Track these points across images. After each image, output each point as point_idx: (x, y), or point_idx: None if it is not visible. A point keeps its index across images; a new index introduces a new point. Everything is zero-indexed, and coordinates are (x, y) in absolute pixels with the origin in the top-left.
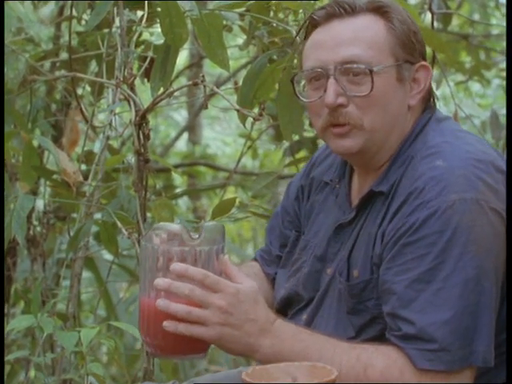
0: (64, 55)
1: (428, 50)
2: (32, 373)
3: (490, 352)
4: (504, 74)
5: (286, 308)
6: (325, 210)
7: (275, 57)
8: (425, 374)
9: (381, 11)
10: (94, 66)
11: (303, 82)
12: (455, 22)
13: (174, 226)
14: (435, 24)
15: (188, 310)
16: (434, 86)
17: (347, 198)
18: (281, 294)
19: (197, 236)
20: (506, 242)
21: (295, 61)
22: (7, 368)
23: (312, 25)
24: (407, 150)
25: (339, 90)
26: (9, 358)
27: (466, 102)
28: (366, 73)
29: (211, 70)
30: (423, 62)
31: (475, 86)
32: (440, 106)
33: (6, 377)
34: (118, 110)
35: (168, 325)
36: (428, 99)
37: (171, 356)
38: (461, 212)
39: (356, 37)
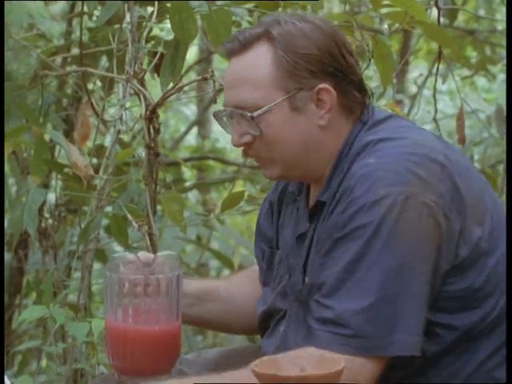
0: (75, 51)
1: (434, 45)
2: (44, 362)
3: (414, 342)
4: None
5: (267, 320)
6: (290, 223)
7: None
8: None
9: (272, 40)
10: (104, 61)
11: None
12: (461, 18)
13: (130, 256)
14: (441, 20)
15: None
16: (439, 80)
17: (306, 209)
18: (263, 308)
19: (150, 265)
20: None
21: None
22: (19, 358)
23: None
24: (345, 157)
25: (242, 130)
26: (21, 347)
27: (471, 96)
28: (249, 119)
29: (220, 65)
30: (321, 85)
31: (481, 81)
32: (446, 100)
33: (17, 366)
34: (128, 104)
35: None
36: (351, 109)
37: (137, 376)
38: (387, 206)
39: (242, 78)
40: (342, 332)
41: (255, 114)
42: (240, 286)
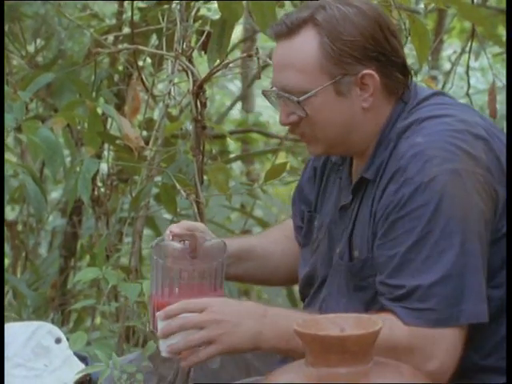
0: (126, 30)
1: (467, 24)
2: (98, 320)
3: (482, 308)
4: None
5: (307, 286)
6: (334, 191)
7: None
8: (414, 331)
9: (317, 26)
10: (154, 39)
11: None
12: None
13: (177, 245)
14: None
15: (188, 339)
16: (472, 57)
17: (348, 179)
18: (304, 271)
19: (194, 255)
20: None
21: None
22: (74, 316)
23: None
24: (388, 134)
25: (289, 110)
26: (76, 306)
27: (503, 72)
28: (295, 103)
29: (264, 43)
30: (365, 71)
31: None
32: (478, 76)
33: (73, 323)
34: (176, 80)
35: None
36: (393, 90)
37: None
38: (442, 184)
39: (289, 63)
40: (415, 306)
41: (301, 98)
42: (276, 244)
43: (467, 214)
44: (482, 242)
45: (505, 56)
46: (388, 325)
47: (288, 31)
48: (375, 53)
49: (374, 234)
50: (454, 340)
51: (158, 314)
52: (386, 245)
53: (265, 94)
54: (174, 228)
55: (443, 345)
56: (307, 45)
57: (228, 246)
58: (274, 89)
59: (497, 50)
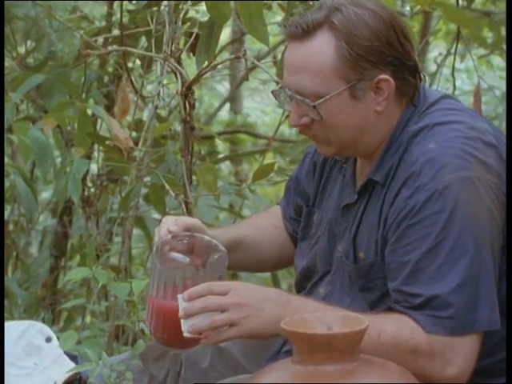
0: (116, 31)
1: (453, 26)
2: (88, 319)
3: (495, 315)
4: None
5: (305, 279)
6: (336, 188)
7: None
8: (433, 337)
9: (333, 30)
10: (143, 41)
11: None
12: (478, 0)
13: (186, 260)
14: (460, 2)
15: (211, 319)
16: (457, 59)
17: (352, 178)
18: (302, 264)
19: (201, 270)
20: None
21: None
22: (65, 315)
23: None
24: (398, 138)
25: (301, 112)
26: (66, 305)
27: (488, 74)
28: (311, 107)
29: (252, 45)
30: (381, 76)
31: (496, 60)
32: (463, 78)
33: (63, 322)
34: (165, 81)
35: (207, 338)
36: (404, 93)
37: (174, 348)
38: (456, 191)
39: (304, 66)
40: (433, 314)
41: (317, 102)
42: (264, 234)
43: (480, 221)
44: (494, 248)
45: (489, 58)
46: (409, 328)
47: (303, 33)
48: (390, 57)
49: (383, 239)
50: (472, 347)
51: (179, 295)
52: (399, 251)
53: (274, 93)
54: (172, 226)
55: (462, 351)
56: (324, 48)
57: (221, 238)
58: (286, 90)
59: (482, 52)
